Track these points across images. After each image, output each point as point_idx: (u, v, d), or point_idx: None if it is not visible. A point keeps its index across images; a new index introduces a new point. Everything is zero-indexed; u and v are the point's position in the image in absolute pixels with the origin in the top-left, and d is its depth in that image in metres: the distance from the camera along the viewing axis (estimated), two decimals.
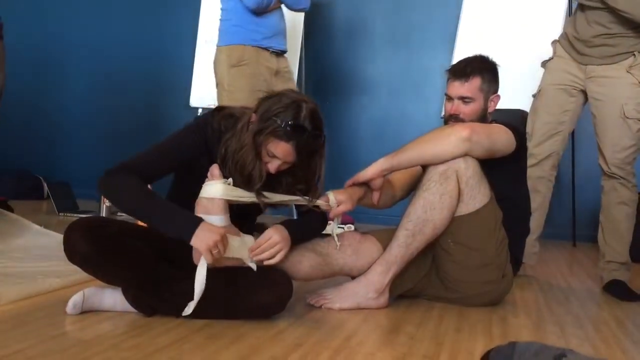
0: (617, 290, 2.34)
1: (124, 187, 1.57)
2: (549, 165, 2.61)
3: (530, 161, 2.51)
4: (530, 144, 2.54)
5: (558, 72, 2.57)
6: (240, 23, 3.14)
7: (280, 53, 3.28)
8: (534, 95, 2.68)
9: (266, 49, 3.18)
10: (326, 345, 1.48)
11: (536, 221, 2.60)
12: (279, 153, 1.60)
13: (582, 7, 2.47)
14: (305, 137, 1.59)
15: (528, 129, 2.63)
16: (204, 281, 1.53)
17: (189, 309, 1.54)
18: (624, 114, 2.37)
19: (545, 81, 2.62)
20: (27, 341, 1.37)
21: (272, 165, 1.63)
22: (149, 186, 1.62)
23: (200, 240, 1.51)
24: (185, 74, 4.66)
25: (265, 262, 1.66)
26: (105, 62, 5.30)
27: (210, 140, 1.69)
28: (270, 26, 3.18)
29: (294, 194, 1.74)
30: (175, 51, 5.03)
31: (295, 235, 1.73)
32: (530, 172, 2.50)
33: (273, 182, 1.71)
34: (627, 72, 2.38)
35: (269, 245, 1.65)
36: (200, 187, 1.65)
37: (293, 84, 3.38)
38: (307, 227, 1.84)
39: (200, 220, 1.55)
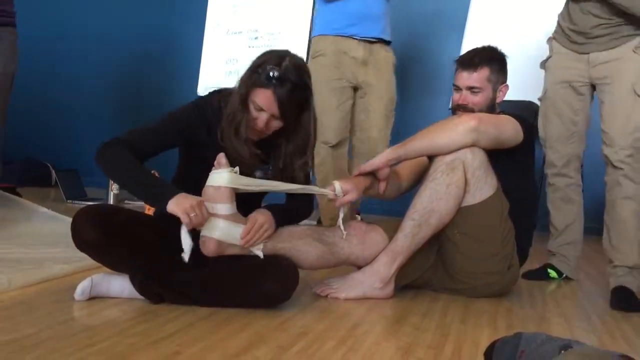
0: (622, 299, 2.06)
1: (114, 158, 1.61)
2: (572, 170, 2.45)
3: (551, 170, 2.44)
4: (546, 151, 2.46)
5: (560, 70, 2.41)
6: (321, 13, 3.03)
7: (373, 41, 2.99)
8: (540, 99, 2.53)
9: (350, 37, 2.96)
10: (331, 334, 1.49)
11: (577, 232, 2.46)
12: (262, 102, 1.63)
13: None
14: (287, 86, 1.62)
15: (540, 134, 2.50)
16: (190, 245, 1.56)
17: (185, 257, 1.57)
18: (635, 92, 2.18)
19: (549, 81, 2.46)
20: (35, 326, 1.38)
21: (261, 120, 1.66)
22: (138, 161, 1.64)
23: (176, 204, 1.53)
24: (194, 59, 4.67)
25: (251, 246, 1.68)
26: (114, 49, 5.31)
27: (209, 116, 1.73)
28: (351, 12, 2.93)
29: (293, 163, 1.77)
30: (184, 37, 5.02)
31: (278, 219, 1.75)
32: (557, 182, 2.43)
33: (270, 151, 1.76)
34: (634, 52, 2.21)
35: (256, 230, 1.67)
36: (202, 168, 1.69)
37: (387, 77, 3.04)
38: (291, 212, 1.86)
39: (178, 192, 1.57)
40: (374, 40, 2.98)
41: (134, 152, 1.62)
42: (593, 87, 2.39)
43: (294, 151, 1.78)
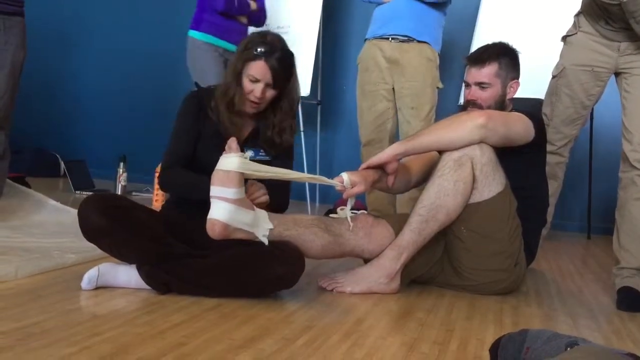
0: (628, 299, 2.00)
1: (173, 183, 1.90)
2: (567, 151, 2.52)
3: (549, 148, 2.39)
4: (548, 130, 2.40)
5: (584, 51, 2.30)
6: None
7: (404, 39, 2.95)
8: (553, 75, 2.47)
9: (381, 37, 2.99)
10: (337, 328, 1.49)
11: (551, 207, 2.53)
12: (257, 73, 1.81)
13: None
14: (276, 55, 1.82)
15: (545, 110, 2.46)
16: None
17: None
18: None
19: (568, 60, 2.37)
20: (43, 314, 1.39)
21: (257, 90, 1.83)
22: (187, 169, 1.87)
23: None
24: None
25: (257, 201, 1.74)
26: (123, 42, 5.32)
27: (201, 97, 1.93)
28: (383, 13, 3.00)
29: (282, 129, 1.93)
30: None
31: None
32: (549, 159, 2.41)
33: (262, 125, 1.93)
34: None
35: (257, 189, 1.76)
36: (200, 145, 1.88)
37: (417, 76, 2.96)
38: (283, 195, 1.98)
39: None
40: (405, 39, 2.95)
41: (179, 166, 1.86)
42: (615, 75, 2.29)
43: (282, 117, 1.93)
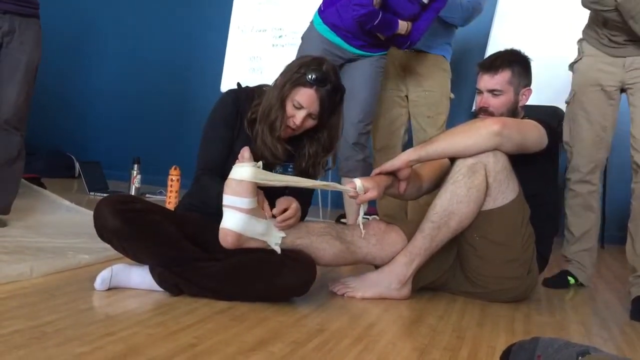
0: None
1: (204, 194, 1.81)
2: (596, 177, 2.40)
3: (575, 176, 2.38)
4: (572, 156, 2.40)
5: (591, 72, 2.33)
6: None
7: (419, 50, 2.95)
8: (567, 102, 2.46)
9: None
10: (348, 332, 1.49)
11: (594, 239, 2.42)
12: (304, 101, 1.74)
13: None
14: (328, 86, 1.74)
15: (566, 138, 2.42)
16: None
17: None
18: None
19: (578, 84, 2.39)
20: (56, 314, 1.41)
21: (298, 117, 1.75)
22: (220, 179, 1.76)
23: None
24: (217, 59, 4.70)
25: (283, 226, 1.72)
26: (138, 45, 5.37)
27: (240, 102, 1.84)
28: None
29: (316, 162, 1.87)
30: (207, 37, 5.07)
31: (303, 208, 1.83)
32: (581, 189, 2.37)
33: (297, 152, 1.84)
34: None
35: (294, 211, 1.72)
36: (233, 145, 1.81)
37: (428, 85, 2.96)
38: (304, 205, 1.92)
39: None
40: (420, 51, 2.97)
41: (214, 173, 1.78)
42: (623, 91, 2.32)
43: (318, 150, 1.86)
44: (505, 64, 2.10)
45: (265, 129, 1.78)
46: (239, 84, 1.94)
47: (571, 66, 2.46)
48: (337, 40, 2.70)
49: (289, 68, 1.80)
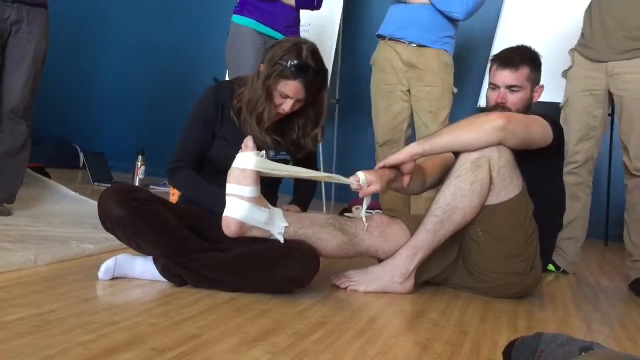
0: None
1: (181, 185, 1.94)
2: (586, 172, 2.55)
3: (567, 168, 2.46)
4: (565, 153, 2.46)
5: (581, 79, 2.51)
6: (388, 15, 3.07)
7: (422, 46, 2.95)
8: (561, 107, 2.62)
9: (399, 40, 2.98)
10: (350, 325, 1.49)
11: (579, 230, 2.57)
12: (290, 92, 1.80)
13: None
14: (311, 74, 1.79)
15: None
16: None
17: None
18: None
19: (570, 90, 2.57)
20: (60, 302, 1.41)
21: (287, 105, 1.83)
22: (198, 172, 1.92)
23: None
24: (221, 49, 4.69)
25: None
26: (145, 36, 5.37)
27: (221, 95, 1.91)
28: (401, 15, 2.97)
29: (306, 135, 1.95)
30: (215, 26, 5.05)
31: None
32: (569, 180, 2.47)
33: (286, 127, 1.94)
34: None
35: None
36: (217, 144, 1.90)
37: (433, 81, 2.96)
38: (306, 203, 2.08)
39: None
40: (422, 45, 2.96)
41: (191, 167, 1.88)
42: (611, 95, 2.48)
43: (306, 124, 1.93)
44: (525, 60, 2.10)
45: (252, 121, 1.85)
46: (215, 79, 2.00)
47: (564, 74, 2.63)
48: (265, 29, 3.06)
49: (270, 57, 1.83)
